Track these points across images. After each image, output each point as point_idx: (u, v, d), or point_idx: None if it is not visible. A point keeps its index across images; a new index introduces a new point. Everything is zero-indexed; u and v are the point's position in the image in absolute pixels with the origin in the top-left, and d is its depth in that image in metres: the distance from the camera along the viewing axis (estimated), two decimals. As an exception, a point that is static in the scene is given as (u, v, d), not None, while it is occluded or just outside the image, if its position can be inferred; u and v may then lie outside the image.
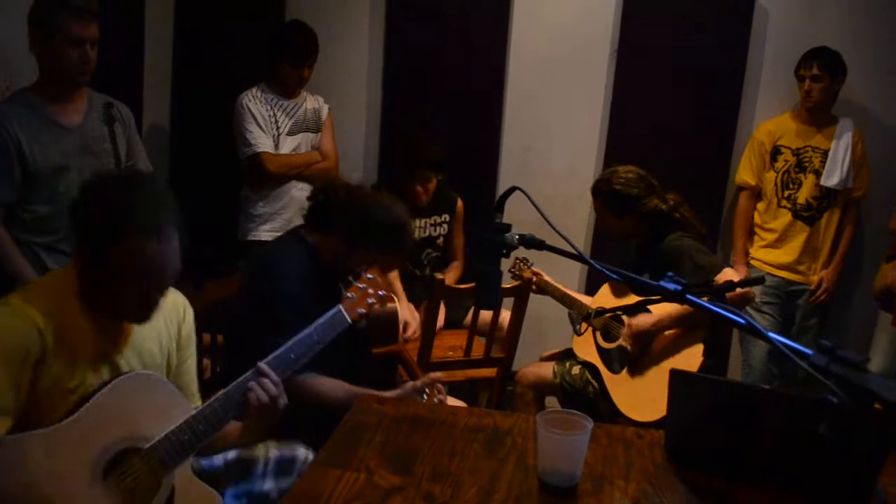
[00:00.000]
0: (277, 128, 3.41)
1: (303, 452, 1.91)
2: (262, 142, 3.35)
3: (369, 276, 2.03)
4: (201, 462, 1.80)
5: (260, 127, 3.36)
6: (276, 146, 3.40)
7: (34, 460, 1.40)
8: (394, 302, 2.07)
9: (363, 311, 1.97)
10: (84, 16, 2.35)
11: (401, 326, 2.55)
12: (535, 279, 2.99)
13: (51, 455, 1.41)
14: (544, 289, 3.03)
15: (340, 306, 1.94)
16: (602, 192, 2.84)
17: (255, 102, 3.38)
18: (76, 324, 1.52)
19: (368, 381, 2.19)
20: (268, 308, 2.11)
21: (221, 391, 1.67)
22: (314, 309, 2.10)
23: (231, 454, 1.85)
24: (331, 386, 2.10)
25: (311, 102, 3.53)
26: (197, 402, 1.80)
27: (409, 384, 2.16)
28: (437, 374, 2.20)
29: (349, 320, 1.93)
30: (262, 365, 1.72)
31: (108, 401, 1.50)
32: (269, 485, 1.86)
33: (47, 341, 1.45)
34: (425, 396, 2.14)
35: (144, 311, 1.57)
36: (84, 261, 1.52)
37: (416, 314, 3.23)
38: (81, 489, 1.45)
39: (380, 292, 2.01)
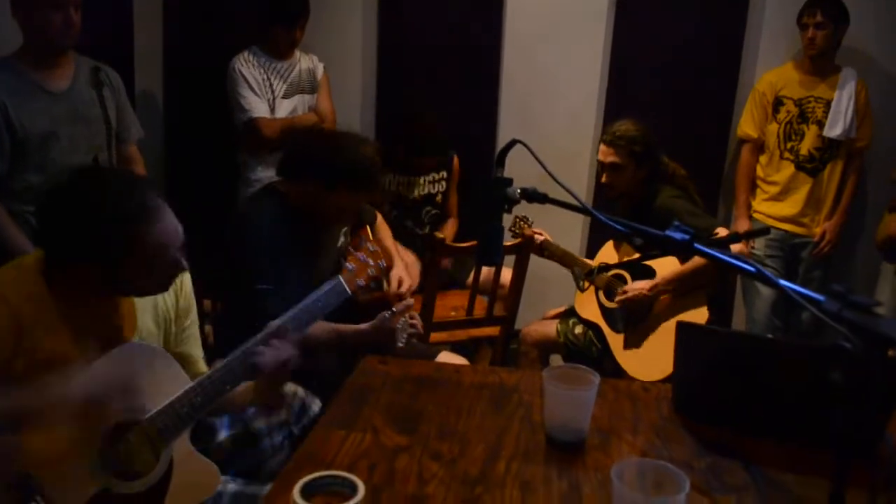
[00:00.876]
0: (272, 91, 3.36)
1: (290, 387, 1.90)
2: (258, 107, 3.30)
3: (370, 247, 2.02)
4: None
5: (254, 91, 3.30)
6: (272, 110, 3.35)
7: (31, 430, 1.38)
8: (380, 241, 2.06)
9: (363, 282, 1.97)
10: None
11: (395, 283, 2.57)
12: (540, 240, 2.97)
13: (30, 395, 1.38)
14: (549, 250, 3.00)
15: (340, 277, 1.93)
16: (625, 137, 2.80)
17: (247, 66, 3.32)
18: (60, 304, 1.48)
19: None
20: (244, 260, 2.13)
21: (220, 361, 1.64)
22: (292, 257, 2.12)
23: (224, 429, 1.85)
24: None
25: (305, 62, 3.47)
26: (203, 369, 1.79)
27: (381, 313, 2.18)
28: (409, 301, 2.22)
29: (349, 291, 1.92)
30: (276, 323, 1.67)
31: (105, 371, 1.45)
32: (259, 423, 1.85)
33: (25, 323, 1.42)
34: (390, 324, 2.15)
35: (165, 286, 1.57)
36: (86, 264, 1.47)
37: (413, 271, 3.23)
38: (77, 458, 1.43)
39: (380, 262, 2.01)
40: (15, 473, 1.35)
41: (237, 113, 3.32)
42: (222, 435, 1.86)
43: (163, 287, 1.58)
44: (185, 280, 1.78)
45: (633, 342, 2.73)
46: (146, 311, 1.67)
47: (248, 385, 1.69)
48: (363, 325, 2.18)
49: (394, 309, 2.16)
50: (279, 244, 2.17)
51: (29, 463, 1.36)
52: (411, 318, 2.20)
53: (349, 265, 1.97)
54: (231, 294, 2.24)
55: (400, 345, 2.18)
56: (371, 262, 1.99)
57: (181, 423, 1.55)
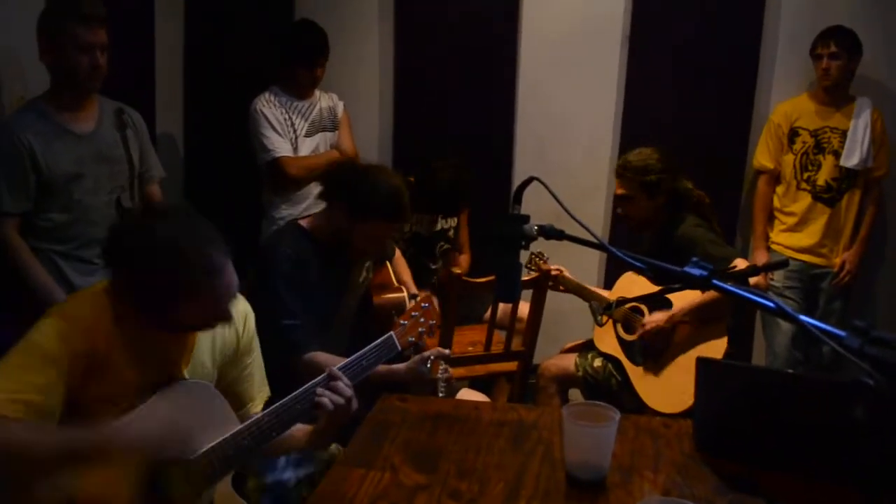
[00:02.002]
0: (294, 130, 3.40)
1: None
2: (281, 146, 3.33)
3: (424, 304, 2.06)
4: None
5: (276, 131, 3.34)
6: (295, 149, 3.39)
7: (73, 438, 1.37)
8: (402, 292, 2.08)
9: (413, 339, 2.01)
10: (92, 22, 2.35)
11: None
12: (556, 274, 2.96)
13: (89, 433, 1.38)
14: (564, 284, 2.99)
15: (392, 333, 1.97)
16: (634, 169, 2.79)
17: (269, 107, 3.36)
18: (124, 336, 1.50)
19: (373, 330, 2.23)
20: (270, 295, 2.15)
21: (272, 407, 1.64)
22: (317, 292, 2.13)
23: None
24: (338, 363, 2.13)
25: (325, 101, 3.51)
26: (258, 408, 1.78)
27: (416, 357, 2.17)
28: (445, 351, 2.20)
29: (399, 347, 1.97)
30: (335, 369, 1.69)
31: (156, 409, 1.48)
32: (287, 474, 1.85)
33: (98, 353, 1.44)
34: (429, 367, 2.14)
35: (219, 323, 1.59)
36: (150, 302, 1.50)
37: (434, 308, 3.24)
38: (123, 497, 1.44)
39: (430, 322, 2.05)
40: None
41: (260, 153, 3.35)
42: (251, 482, 1.86)
43: (204, 328, 1.60)
44: (249, 317, 1.78)
45: (653, 374, 2.71)
46: (204, 347, 1.66)
47: (298, 430, 1.70)
48: (399, 366, 2.15)
49: (431, 356, 2.13)
50: (304, 279, 2.19)
51: (73, 497, 1.37)
52: (445, 370, 2.20)
53: (402, 321, 2.01)
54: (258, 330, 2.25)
55: (440, 395, 2.16)
56: (423, 319, 2.04)
57: (226, 465, 1.55)
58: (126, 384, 1.48)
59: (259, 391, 1.82)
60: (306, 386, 1.66)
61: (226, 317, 1.55)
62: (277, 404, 1.64)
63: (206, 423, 1.55)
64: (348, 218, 2.24)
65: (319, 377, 1.67)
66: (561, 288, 3.00)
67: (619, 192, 2.86)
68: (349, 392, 1.66)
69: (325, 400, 1.63)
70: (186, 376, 1.58)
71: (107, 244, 1.52)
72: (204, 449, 1.53)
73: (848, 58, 3.28)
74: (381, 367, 2.16)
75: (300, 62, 3.33)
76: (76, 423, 1.41)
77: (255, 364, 1.80)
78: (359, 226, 2.24)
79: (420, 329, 2.02)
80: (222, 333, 1.70)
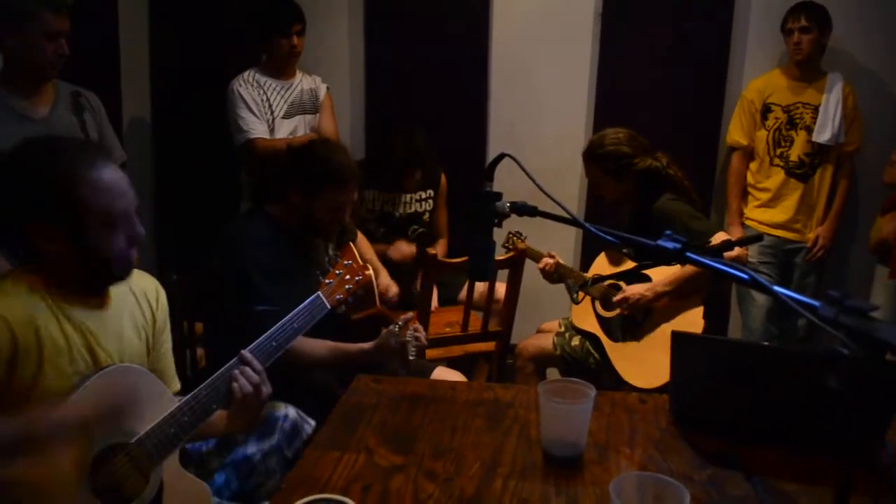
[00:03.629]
0: (272, 111, 3.34)
1: (283, 409, 1.89)
2: (255, 127, 3.28)
3: (346, 262, 2.05)
4: (187, 447, 1.77)
5: (252, 112, 3.29)
6: (272, 130, 3.34)
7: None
8: (367, 269, 2.07)
9: (341, 296, 2.00)
10: (61, 9, 2.30)
11: (383, 290, 2.58)
12: (553, 262, 2.94)
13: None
14: (562, 272, 2.97)
15: (319, 293, 1.95)
16: (596, 154, 2.79)
17: (246, 87, 3.31)
18: (49, 320, 1.46)
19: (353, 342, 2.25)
20: (238, 283, 2.14)
21: (207, 380, 1.62)
22: (285, 276, 2.15)
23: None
24: (312, 345, 2.17)
25: (307, 83, 3.46)
26: (176, 387, 1.77)
27: (385, 330, 2.19)
28: (409, 314, 2.22)
29: (328, 306, 1.95)
30: (245, 353, 1.69)
31: (90, 395, 1.44)
32: (251, 448, 1.83)
33: (18, 339, 1.39)
34: (399, 339, 2.16)
35: (130, 257, 1.54)
36: (50, 242, 1.45)
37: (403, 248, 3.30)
38: (68, 485, 1.40)
39: (356, 277, 2.04)
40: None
41: (235, 134, 3.31)
42: (215, 462, 1.84)
43: (122, 263, 1.53)
44: (161, 295, 1.75)
45: (631, 350, 2.71)
46: (126, 322, 1.63)
47: (217, 415, 1.68)
48: (367, 344, 2.19)
49: (399, 323, 2.16)
50: (272, 264, 2.18)
51: (17, 492, 1.34)
52: (415, 329, 2.20)
53: (327, 280, 2.00)
54: (224, 316, 2.23)
55: (411, 358, 2.19)
56: (348, 276, 2.02)
57: (169, 443, 1.54)
58: (56, 369, 1.44)
59: (173, 367, 1.80)
60: (231, 362, 1.67)
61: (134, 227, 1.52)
62: (213, 376, 1.63)
63: (143, 404, 1.52)
64: (304, 196, 2.24)
65: (233, 360, 1.67)
66: (555, 276, 2.97)
67: (587, 176, 2.86)
68: (256, 378, 1.65)
69: (235, 386, 1.63)
70: (116, 360, 1.55)
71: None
72: (145, 430, 1.51)
73: (819, 31, 3.29)
74: (351, 347, 2.19)
75: (277, 30, 3.28)
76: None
77: (169, 342, 1.79)
78: (315, 202, 2.24)
79: (347, 286, 2.01)
80: (142, 309, 1.68)
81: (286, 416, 1.88)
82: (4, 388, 1.39)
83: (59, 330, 1.46)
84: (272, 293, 2.11)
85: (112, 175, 1.48)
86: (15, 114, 2.34)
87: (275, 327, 1.77)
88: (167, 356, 1.78)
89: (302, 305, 1.87)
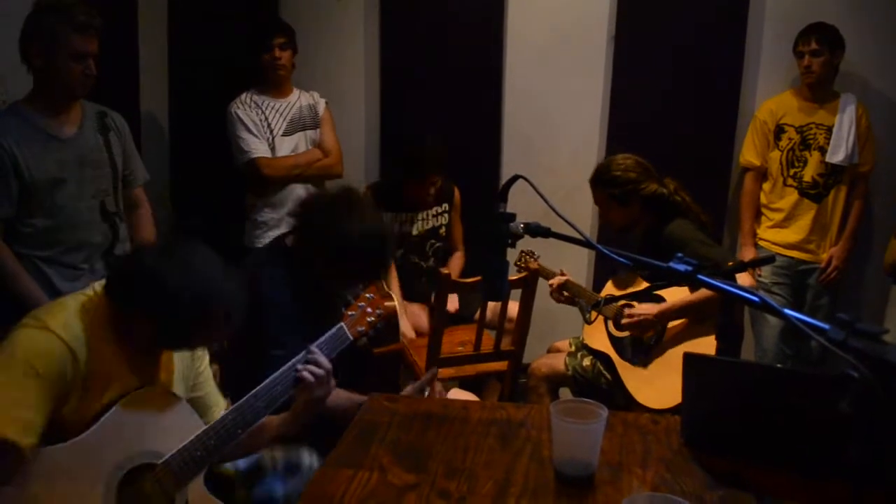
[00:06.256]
0: (271, 130, 3.37)
1: (307, 455, 1.91)
2: (256, 147, 3.31)
3: (368, 295, 2.06)
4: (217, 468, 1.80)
5: (252, 132, 3.32)
6: (273, 149, 3.37)
7: (50, 475, 1.38)
8: (392, 301, 2.07)
9: (363, 328, 2.02)
10: (88, 31, 2.33)
11: (406, 332, 2.58)
12: (563, 279, 2.96)
13: (66, 471, 1.40)
14: (571, 291, 2.98)
15: (342, 324, 1.97)
16: (602, 181, 2.82)
17: (243, 108, 3.35)
18: (109, 353, 1.52)
19: (372, 381, 2.20)
20: (258, 326, 2.07)
21: (235, 405, 1.65)
22: (306, 318, 2.12)
23: (241, 463, 1.85)
24: (333, 396, 2.06)
25: (305, 99, 3.49)
26: (222, 409, 1.79)
27: (409, 388, 2.18)
28: (433, 371, 2.24)
29: (350, 337, 1.97)
30: (313, 347, 1.79)
31: (122, 416, 1.49)
32: (276, 486, 1.87)
33: (80, 366, 1.44)
34: (426, 394, 2.15)
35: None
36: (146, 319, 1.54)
37: (420, 320, 3.25)
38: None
39: (378, 311, 2.06)
40: None
41: (237, 155, 3.34)
42: (241, 491, 1.87)
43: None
44: None
45: (643, 371, 2.72)
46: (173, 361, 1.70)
47: (263, 424, 1.71)
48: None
49: (426, 385, 2.17)
50: (292, 310, 2.13)
51: None
52: (439, 392, 2.23)
53: (350, 312, 2.02)
54: (244, 348, 2.20)
55: None
56: (370, 308, 2.04)
57: (195, 466, 1.56)
58: (103, 396, 1.49)
59: (218, 395, 1.84)
60: (273, 377, 1.72)
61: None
62: (240, 401, 1.66)
63: (170, 427, 1.56)
64: (331, 266, 2.16)
65: (298, 356, 1.77)
66: (566, 294, 2.98)
67: (595, 202, 2.91)
68: (328, 364, 1.76)
69: (307, 373, 1.73)
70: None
71: (116, 281, 1.56)
72: (171, 452, 1.54)
73: (830, 53, 3.30)
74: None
75: (261, 47, 3.32)
76: (49, 432, 1.41)
77: (208, 370, 1.83)
78: (344, 273, 2.19)
79: (369, 319, 2.03)
80: None
81: (311, 464, 1.91)
82: (60, 407, 1.44)
83: (119, 366, 1.54)
84: (289, 339, 2.05)
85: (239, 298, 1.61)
86: (43, 133, 2.37)
87: (298, 357, 1.79)
88: (209, 382, 1.82)
89: (325, 336, 1.90)
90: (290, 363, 1.75)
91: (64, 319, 1.47)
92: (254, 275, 2.22)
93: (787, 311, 1.11)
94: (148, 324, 1.53)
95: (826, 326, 1.05)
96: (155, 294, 1.49)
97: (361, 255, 2.13)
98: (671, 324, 2.69)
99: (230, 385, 1.76)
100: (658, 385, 2.65)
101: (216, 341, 1.63)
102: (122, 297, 1.54)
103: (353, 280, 2.21)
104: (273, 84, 3.40)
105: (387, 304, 2.07)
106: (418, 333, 3.18)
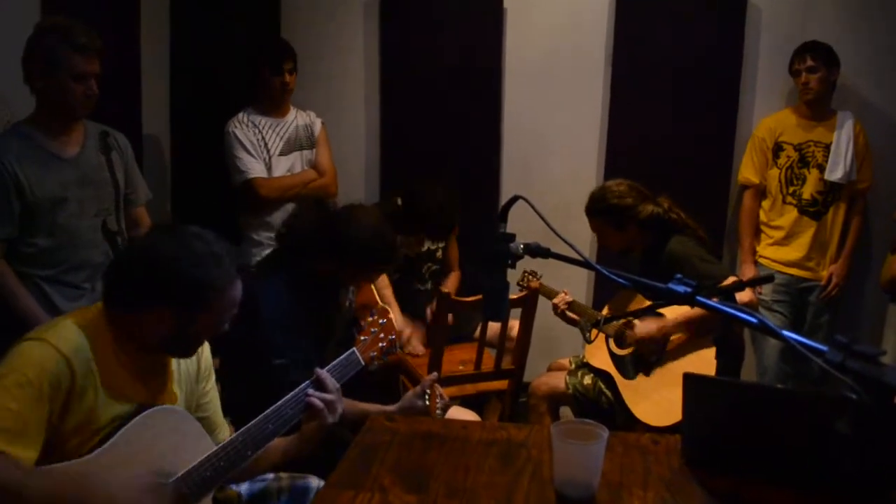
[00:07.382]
0: (268, 150, 3.38)
1: (315, 482, 1.90)
2: (253, 167, 3.32)
3: (381, 321, 2.08)
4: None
5: (248, 152, 3.33)
6: (269, 169, 3.37)
7: (59, 493, 1.38)
8: (389, 313, 2.08)
9: (375, 353, 2.04)
10: (88, 52, 2.34)
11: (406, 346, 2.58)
12: (567, 301, 2.97)
13: (75, 489, 1.39)
14: (575, 310, 2.99)
15: (355, 349, 2.00)
16: (597, 210, 2.85)
17: (241, 128, 3.35)
18: (114, 365, 1.52)
19: (372, 391, 2.21)
20: (259, 337, 2.11)
21: (244, 427, 1.65)
22: (306, 327, 2.15)
23: (244, 487, 1.84)
24: None
25: (301, 119, 3.50)
26: (226, 433, 1.80)
27: (409, 392, 2.18)
28: (433, 375, 2.23)
29: (363, 363, 2.00)
30: (322, 371, 1.80)
31: (132, 436, 1.48)
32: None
33: (77, 378, 1.44)
34: (427, 401, 2.15)
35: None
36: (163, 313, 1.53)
37: (418, 332, 3.25)
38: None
39: (390, 336, 2.08)
40: None
41: (234, 175, 3.34)
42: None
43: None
44: (205, 345, 1.80)
45: (645, 388, 2.71)
46: (174, 380, 1.69)
47: (270, 446, 1.71)
48: (390, 407, 2.15)
49: (426, 384, 2.16)
50: (292, 319, 2.15)
51: None
52: (440, 395, 2.24)
53: (363, 337, 2.03)
54: (243, 363, 2.20)
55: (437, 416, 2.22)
56: (382, 334, 2.06)
57: (205, 485, 1.56)
58: (109, 413, 1.48)
59: (222, 416, 1.84)
60: (284, 399, 1.73)
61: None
62: (250, 423, 1.66)
63: (181, 446, 1.56)
64: (335, 263, 2.22)
65: (306, 382, 1.77)
66: (570, 315, 2.99)
67: (593, 230, 2.94)
68: (337, 389, 1.78)
69: (316, 399, 1.74)
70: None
71: (112, 279, 1.56)
72: (181, 473, 1.53)
73: (826, 70, 3.32)
74: (370, 407, 2.16)
75: (268, 68, 3.34)
76: (51, 453, 1.41)
77: (215, 389, 1.83)
78: (346, 277, 2.25)
79: (381, 344, 2.04)
80: (184, 360, 1.72)
81: (318, 490, 1.90)
82: (58, 424, 1.43)
83: (125, 379, 1.54)
84: (290, 348, 2.10)
85: (236, 297, 1.61)
86: (45, 153, 2.38)
87: (307, 383, 1.80)
88: (214, 403, 1.82)
89: (337, 361, 1.91)
90: (300, 387, 1.75)
91: (62, 332, 1.48)
92: (250, 288, 2.24)
93: (785, 332, 1.11)
94: (152, 315, 1.52)
95: (824, 348, 1.06)
96: (153, 267, 1.50)
97: (359, 243, 2.19)
98: (673, 336, 2.70)
99: (232, 404, 1.75)
100: (659, 402, 2.65)
101: (224, 320, 1.60)
102: (120, 294, 1.53)
103: (353, 270, 2.24)
104: (273, 104, 3.42)
105: (395, 330, 2.09)
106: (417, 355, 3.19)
